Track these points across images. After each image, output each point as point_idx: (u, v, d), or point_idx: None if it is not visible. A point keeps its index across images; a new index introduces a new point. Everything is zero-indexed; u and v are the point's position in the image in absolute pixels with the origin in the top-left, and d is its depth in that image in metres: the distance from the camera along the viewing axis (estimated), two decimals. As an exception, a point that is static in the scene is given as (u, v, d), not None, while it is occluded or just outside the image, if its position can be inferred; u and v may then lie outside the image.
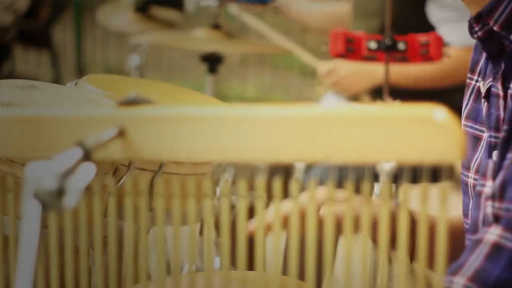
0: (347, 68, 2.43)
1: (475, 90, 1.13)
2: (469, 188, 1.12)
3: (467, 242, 1.12)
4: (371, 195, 2.11)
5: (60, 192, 0.78)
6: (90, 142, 0.82)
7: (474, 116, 1.13)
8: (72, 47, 6.30)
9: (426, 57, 2.11)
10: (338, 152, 0.78)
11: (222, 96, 5.79)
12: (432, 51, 2.09)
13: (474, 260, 0.95)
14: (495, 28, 1.02)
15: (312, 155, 0.79)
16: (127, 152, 0.87)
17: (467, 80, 1.16)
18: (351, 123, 0.77)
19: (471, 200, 1.12)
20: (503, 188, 0.96)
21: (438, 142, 0.75)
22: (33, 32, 4.53)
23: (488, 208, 0.98)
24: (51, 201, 0.78)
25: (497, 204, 0.96)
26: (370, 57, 2.12)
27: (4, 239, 0.99)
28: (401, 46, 2.08)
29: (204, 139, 0.83)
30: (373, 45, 2.10)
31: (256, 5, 2.33)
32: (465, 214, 1.13)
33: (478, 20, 1.04)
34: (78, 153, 0.80)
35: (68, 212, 0.92)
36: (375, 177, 1.95)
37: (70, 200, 0.78)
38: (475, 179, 1.09)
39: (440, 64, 2.32)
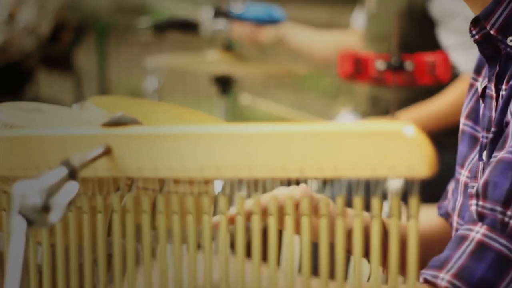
0: None
1: (477, 91, 1.16)
2: (460, 185, 1.14)
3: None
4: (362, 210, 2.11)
5: (45, 209, 0.81)
6: (76, 161, 0.85)
7: (474, 117, 1.15)
8: (95, 70, 6.38)
9: (434, 77, 2.13)
10: (311, 167, 0.81)
11: (245, 117, 5.83)
12: (439, 71, 2.12)
13: (459, 257, 0.97)
14: (491, 32, 1.05)
15: (286, 171, 0.81)
16: (113, 170, 0.90)
17: (471, 81, 1.18)
18: (323, 138, 0.80)
19: (460, 197, 1.14)
20: (486, 187, 0.98)
21: (407, 157, 0.77)
22: (56, 57, 4.60)
23: (473, 206, 1.00)
24: (36, 217, 0.81)
25: (481, 203, 0.98)
26: (378, 78, 2.14)
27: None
28: (408, 66, 2.11)
29: (187, 156, 0.86)
30: (380, 65, 2.12)
31: (266, 25, 2.36)
32: (458, 214, 1.14)
33: (475, 24, 1.06)
34: (64, 171, 0.83)
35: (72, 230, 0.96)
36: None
37: (54, 216, 0.81)
38: (467, 177, 1.11)
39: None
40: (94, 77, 6.45)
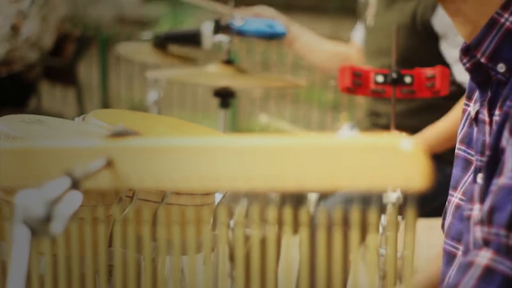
0: None
1: (470, 116, 1.18)
2: (451, 206, 1.16)
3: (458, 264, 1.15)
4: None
5: (47, 219, 0.82)
6: (79, 172, 0.86)
7: (467, 141, 1.17)
8: (97, 83, 6.41)
9: (433, 91, 2.14)
10: (310, 179, 0.82)
11: (245, 129, 5.84)
12: (438, 85, 2.13)
13: (467, 282, 0.99)
14: (482, 60, 1.07)
15: (285, 184, 0.83)
16: (114, 181, 0.91)
17: (464, 106, 1.21)
18: (322, 151, 0.81)
19: (449, 217, 1.16)
20: (491, 213, 1.00)
21: (404, 170, 0.79)
22: (59, 69, 4.62)
23: (477, 232, 1.02)
24: (39, 227, 0.82)
25: (486, 229, 1.01)
26: (378, 91, 2.15)
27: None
28: (407, 79, 2.12)
29: (187, 168, 0.87)
30: (380, 79, 2.14)
31: (269, 40, 2.38)
32: (447, 234, 1.17)
33: (466, 53, 1.09)
34: (66, 182, 0.85)
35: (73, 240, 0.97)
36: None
37: (57, 226, 0.83)
38: (460, 199, 1.14)
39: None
40: (96, 90, 6.48)
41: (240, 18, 2.37)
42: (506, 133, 1.01)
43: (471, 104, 1.18)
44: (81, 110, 4.62)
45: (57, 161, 0.93)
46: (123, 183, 0.92)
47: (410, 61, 2.35)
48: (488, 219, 1.00)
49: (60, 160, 0.93)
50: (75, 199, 0.84)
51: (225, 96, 2.36)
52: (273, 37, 2.33)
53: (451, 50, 2.54)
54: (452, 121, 2.51)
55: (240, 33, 2.37)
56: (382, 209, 2.13)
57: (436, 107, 2.56)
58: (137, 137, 0.94)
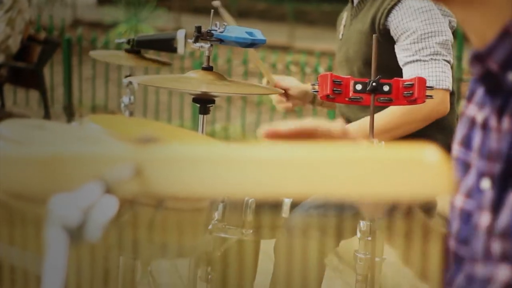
0: None
1: (470, 119, 1.17)
2: (456, 210, 1.16)
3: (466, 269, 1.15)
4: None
5: (83, 225, 0.83)
6: (111, 177, 0.88)
7: (466, 144, 1.17)
8: (61, 86, 6.36)
9: (410, 99, 2.19)
10: (335, 191, 0.85)
11: (219, 137, 5.85)
12: (416, 93, 2.18)
13: None
14: (494, 68, 1.06)
15: (311, 193, 0.85)
16: (144, 189, 0.93)
17: (463, 108, 1.20)
18: (347, 163, 0.84)
19: (456, 221, 1.15)
20: (509, 228, 1.01)
21: (429, 181, 0.81)
22: (24, 72, 4.59)
23: (496, 246, 1.03)
24: (75, 233, 0.83)
25: (505, 244, 1.02)
26: (355, 99, 2.20)
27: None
28: (386, 88, 2.17)
29: (216, 178, 0.89)
30: (359, 87, 2.18)
31: (246, 47, 2.41)
32: (455, 238, 1.16)
33: (477, 60, 1.08)
34: (99, 187, 0.86)
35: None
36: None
37: (94, 232, 0.83)
38: (465, 203, 1.13)
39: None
40: (59, 93, 6.42)
41: (221, 25, 2.40)
42: None
43: (471, 107, 1.18)
44: (46, 113, 4.59)
45: (85, 168, 0.93)
46: (153, 190, 0.93)
47: (378, 68, 2.41)
48: (506, 234, 1.00)
49: (88, 167, 0.94)
50: (111, 204, 0.85)
51: (203, 103, 2.38)
52: (253, 44, 2.36)
53: (399, 54, 2.61)
54: (385, 117, 2.58)
55: (220, 40, 2.39)
56: (358, 215, 2.18)
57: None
58: (165, 145, 0.96)
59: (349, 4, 2.84)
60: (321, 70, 5.91)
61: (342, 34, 2.82)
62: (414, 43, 2.57)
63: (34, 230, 1.00)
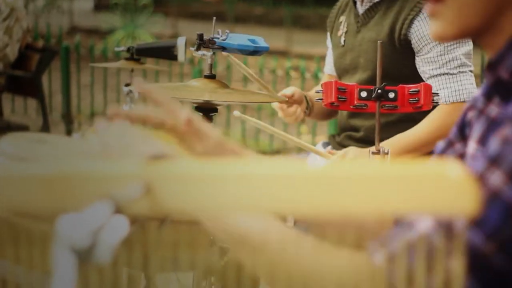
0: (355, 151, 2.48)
1: (490, 119, 1.16)
2: None
3: None
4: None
5: (92, 247, 0.80)
6: (121, 196, 0.85)
7: (484, 143, 1.16)
8: (59, 94, 6.33)
9: (416, 106, 2.17)
10: (357, 208, 0.82)
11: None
12: (422, 100, 2.15)
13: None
14: (503, 75, 1.06)
15: (330, 211, 0.83)
16: (154, 207, 0.90)
17: (481, 105, 1.19)
18: (369, 180, 0.81)
19: None
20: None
21: (452, 196, 0.79)
22: (22, 80, 4.56)
23: None
24: (84, 255, 0.80)
25: None
26: (360, 106, 2.17)
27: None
28: (391, 95, 2.14)
29: (229, 195, 0.86)
30: (364, 94, 2.16)
31: (249, 54, 2.38)
32: None
33: (489, 68, 1.08)
34: (109, 206, 0.83)
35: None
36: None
37: (104, 254, 0.81)
38: None
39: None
40: (58, 101, 6.40)
41: (223, 32, 2.37)
42: None
43: (492, 107, 1.17)
44: (44, 121, 4.56)
45: (92, 186, 0.91)
46: (162, 209, 0.90)
47: (391, 77, 2.38)
48: None
49: (96, 185, 0.91)
50: (122, 225, 0.82)
51: (207, 111, 2.35)
52: (256, 52, 2.33)
53: (423, 66, 2.58)
54: (418, 133, 2.55)
55: (222, 48, 2.36)
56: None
57: (413, 120, 2.60)
58: (175, 161, 0.93)
59: (348, 11, 2.80)
60: (321, 75, 5.89)
61: (344, 41, 2.78)
62: (440, 55, 2.55)
63: (40, 249, 0.97)
